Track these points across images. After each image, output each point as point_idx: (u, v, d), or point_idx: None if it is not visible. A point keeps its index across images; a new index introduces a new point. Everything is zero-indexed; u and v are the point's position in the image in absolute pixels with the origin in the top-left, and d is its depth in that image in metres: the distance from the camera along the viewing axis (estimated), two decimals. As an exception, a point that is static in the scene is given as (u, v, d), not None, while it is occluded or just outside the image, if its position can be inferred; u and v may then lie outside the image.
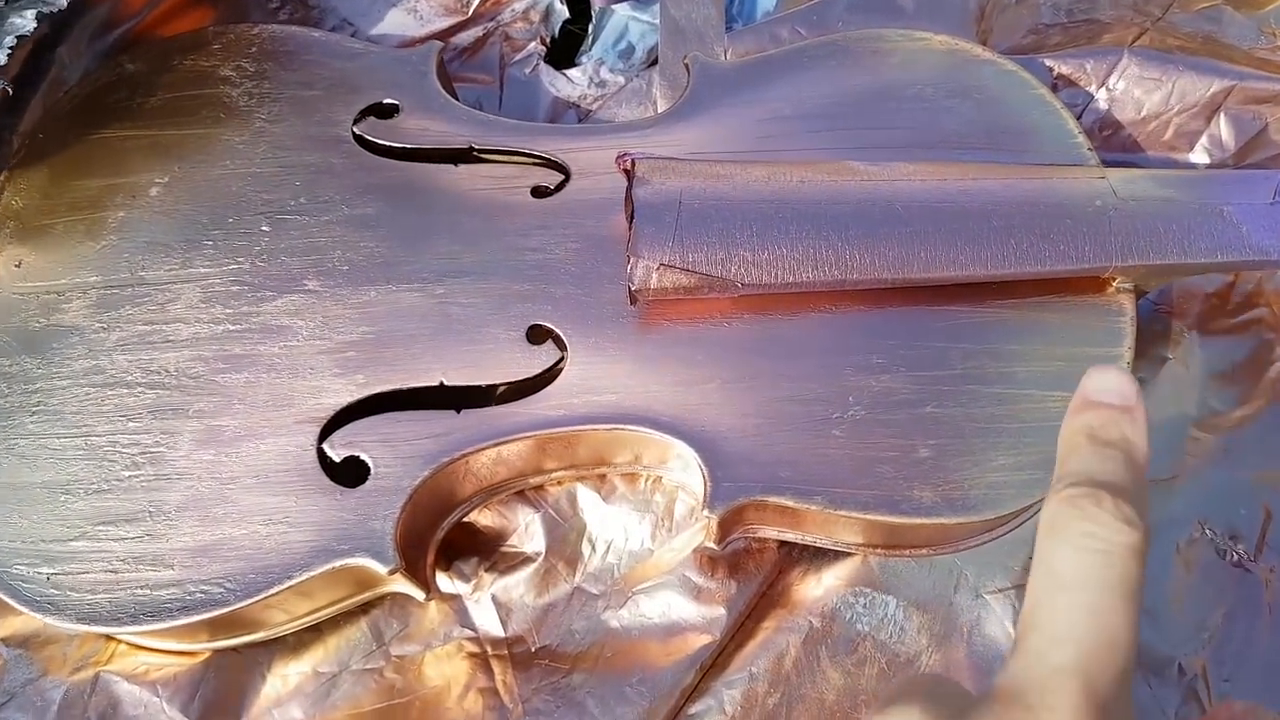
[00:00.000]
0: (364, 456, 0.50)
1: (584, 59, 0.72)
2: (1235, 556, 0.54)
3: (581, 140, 0.58)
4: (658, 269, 0.49)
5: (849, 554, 0.56)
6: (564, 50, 0.74)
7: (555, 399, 0.51)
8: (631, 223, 0.50)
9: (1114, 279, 0.52)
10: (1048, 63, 0.66)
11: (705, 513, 0.49)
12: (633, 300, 0.51)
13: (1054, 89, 0.66)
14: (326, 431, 0.50)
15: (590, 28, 0.73)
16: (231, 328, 0.52)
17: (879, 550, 0.55)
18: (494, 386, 0.52)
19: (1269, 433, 0.57)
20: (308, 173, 0.57)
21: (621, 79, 0.70)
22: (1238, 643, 0.53)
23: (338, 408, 0.51)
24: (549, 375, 0.52)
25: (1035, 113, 0.57)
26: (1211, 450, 0.56)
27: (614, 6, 0.73)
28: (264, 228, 0.55)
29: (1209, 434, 0.57)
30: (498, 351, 0.52)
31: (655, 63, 0.70)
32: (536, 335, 0.52)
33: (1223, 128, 0.65)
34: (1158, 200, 0.51)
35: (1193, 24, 0.68)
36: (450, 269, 0.53)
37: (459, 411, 0.51)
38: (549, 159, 0.57)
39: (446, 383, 0.51)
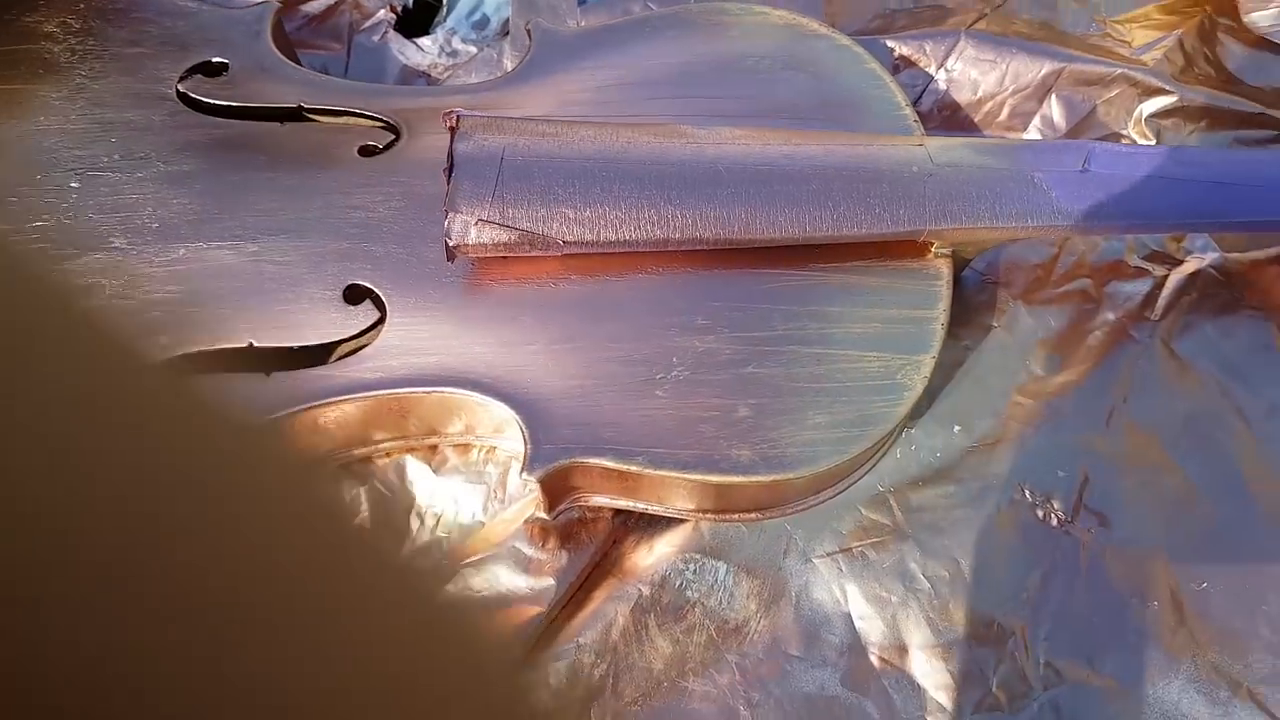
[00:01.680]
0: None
1: (437, 29, 0.71)
2: (1054, 518, 0.56)
3: (415, 100, 0.57)
4: (476, 224, 0.48)
5: (682, 521, 0.55)
6: (420, 21, 0.73)
7: (373, 361, 0.50)
8: (450, 178, 0.49)
9: (932, 244, 0.53)
10: (889, 44, 0.67)
11: (524, 475, 0.48)
12: (450, 257, 0.50)
13: (895, 70, 0.67)
14: (129, 393, 0.48)
15: None
16: (30, 285, 0.50)
17: (710, 515, 0.54)
18: (310, 348, 0.50)
19: (1088, 398, 0.58)
20: (126, 129, 0.55)
21: (474, 49, 0.70)
22: (1055, 603, 0.54)
23: (141, 368, 0.49)
24: (367, 336, 0.50)
25: (866, 86, 0.58)
26: (1033, 414, 0.58)
27: (466, -22, 0.72)
28: (73, 184, 0.53)
29: (1031, 399, 0.58)
30: (313, 311, 0.50)
31: (509, 34, 0.69)
32: (354, 295, 0.51)
33: (1054, 108, 0.66)
34: (972, 167, 0.52)
35: (1030, 11, 0.71)
36: (266, 226, 0.52)
37: (269, 375, 0.49)
38: (380, 118, 0.56)
39: (256, 344, 0.50)
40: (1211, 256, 0.63)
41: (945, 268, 0.53)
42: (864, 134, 0.54)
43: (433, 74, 0.69)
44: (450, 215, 0.48)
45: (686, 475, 0.49)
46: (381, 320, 0.51)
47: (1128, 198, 0.53)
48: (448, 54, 0.69)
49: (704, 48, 0.59)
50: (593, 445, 0.48)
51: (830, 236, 0.51)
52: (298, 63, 0.62)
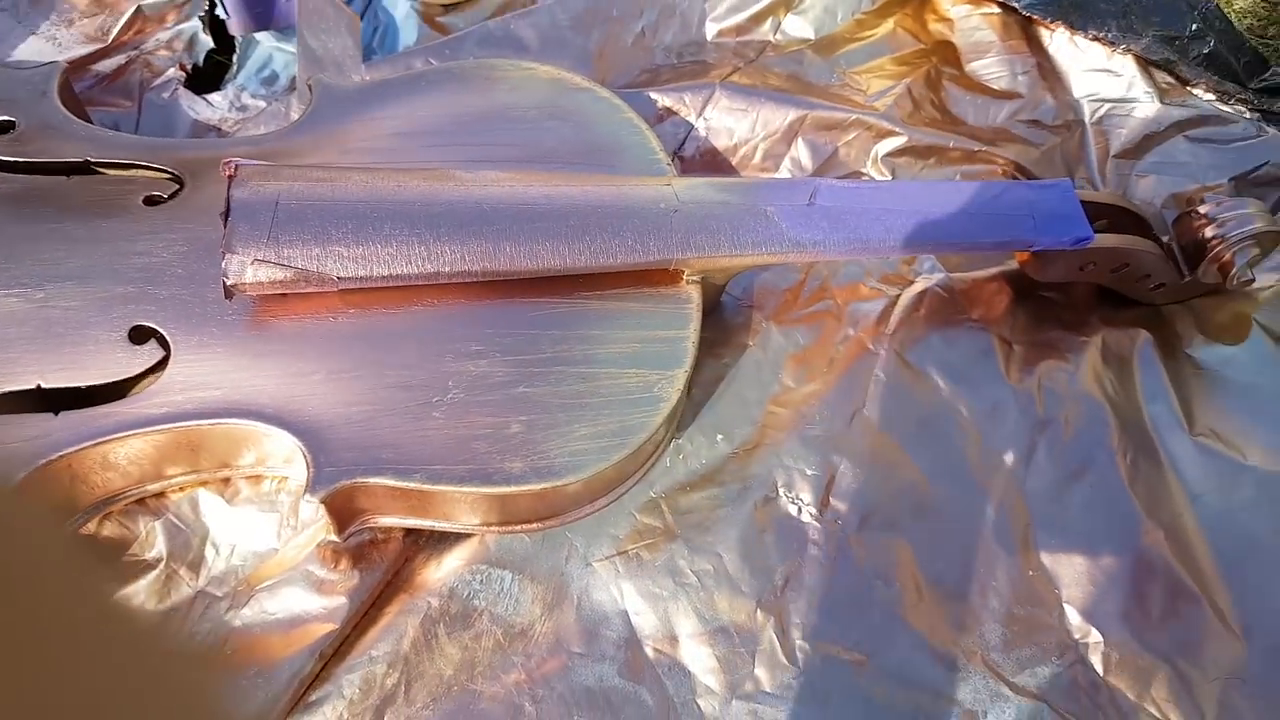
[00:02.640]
0: None
1: (227, 85, 0.74)
2: (806, 513, 0.62)
3: (199, 151, 0.60)
4: (252, 263, 0.52)
5: (469, 536, 0.59)
6: (211, 79, 0.76)
7: (159, 397, 0.52)
8: (227, 222, 0.52)
9: (683, 272, 0.59)
10: (652, 95, 0.74)
11: (309, 498, 0.51)
12: (228, 294, 0.53)
13: (660, 119, 0.74)
14: (-91, 438, 0.50)
15: (235, 57, 0.76)
16: None
17: (494, 528, 0.59)
18: (98, 388, 0.53)
19: (833, 405, 0.65)
20: (-93, 186, 0.56)
21: (263, 103, 0.73)
22: (808, 588, 0.60)
23: (-78, 413, 0.50)
24: (152, 374, 0.53)
25: (623, 133, 0.64)
26: (786, 422, 0.64)
27: (257, 37, 0.76)
28: None
29: (783, 408, 0.65)
30: (98, 353, 0.53)
31: (296, 88, 0.73)
32: (139, 335, 0.54)
33: (802, 151, 0.74)
34: (713, 202, 0.59)
35: (780, 64, 0.79)
36: (52, 274, 0.54)
37: (57, 414, 0.51)
38: (164, 169, 0.59)
39: (44, 385, 0.52)
40: (938, 277, 0.71)
41: (695, 293, 0.59)
42: (618, 176, 0.61)
43: (223, 128, 0.72)
44: (227, 256, 0.52)
45: (463, 489, 0.53)
46: (166, 358, 0.53)
47: (849, 226, 0.60)
48: (237, 109, 0.72)
49: (476, 99, 0.64)
50: (372, 465, 0.52)
51: (589, 266, 0.57)
52: (87, 119, 0.65)
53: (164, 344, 0.54)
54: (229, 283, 0.52)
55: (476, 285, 0.57)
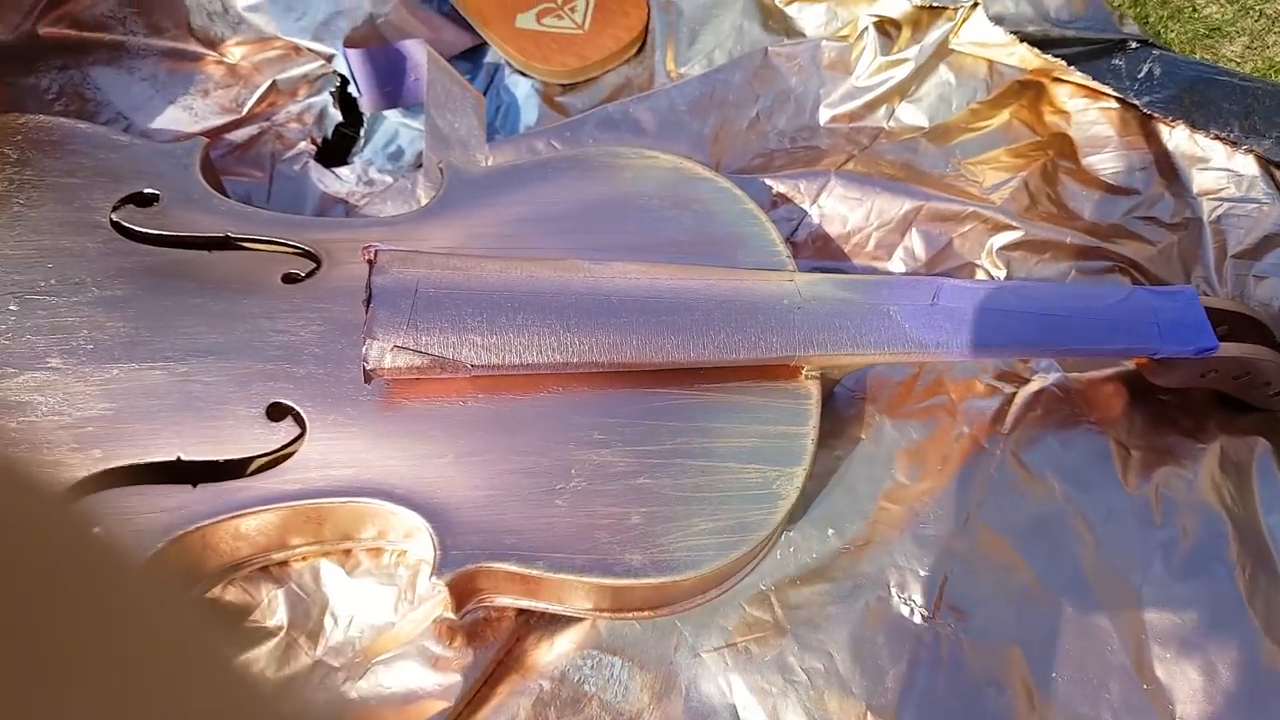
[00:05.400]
0: (96, 530, 0.51)
1: (355, 159, 0.77)
2: (917, 614, 0.61)
3: (335, 232, 0.62)
4: (391, 350, 0.53)
5: (580, 619, 0.60)
6: (338, 151, 0.78)
7: (293, 473, 0.54)
8: (368, 307, 0.54)
9: (803, 367, 0.59)
10: (768, 182, 0.75)
11: (434, 580, 0.52)
12: (367, 379, 0.54)
13: (773, 205, 0.75)
14: (59, 505, 0.51)
15: (362, 131, 0.78)
16: (-34, 403, 0.53)
17: (606, 614, 0.59)
18: (234, 461, 0.54)
19: (946, 503, 0.65)
20: (61, 256, 0.59)
21: (389, 178, 0.75)
22: (919, 692, 0.59)
23: (72, 481, 0.52)
24: (288, 450, 0.54)
25: (744, 224, 0.65)
26: (898, 519, 0.64)
27: (385, 113, 0.78)
28: (11, 307, 0.57)
29: (896, 505, 0.64)
30: (237, 428, 0.54)
31: (422, 165, 0.75)
32: (276, 412, 0.55)
33: (915, 241, 0.75)
34: (835, 301, 0.59)
35: (894, 152, 0.79)
36: (195, 348, 0.56)
37: (195, 486, 0.53)
38: (302, 248, 0.61)
39: (184, 457, 0.53)
40: (1054, 376, 0.71)
41: (815, 388, 0.59)
42: (741, 270, 0.61)
43: (350, 201, 0.74)
44: (368, 341, 0.53)
45: (583, 578, 0.53)
46: (302, 435, 0.55)
47: (971, 328, 0.60)
48: (364, 183, 0.75)
49: (600, 187, 0.66)
50: (497, 551, 0.53)
51: (712, 361, 0.57)
52: (224, 191, 0.67)
53: (300, 422, 0.55)
54: (369, 367, 0.53)
55: (601, 374, 0.58)
